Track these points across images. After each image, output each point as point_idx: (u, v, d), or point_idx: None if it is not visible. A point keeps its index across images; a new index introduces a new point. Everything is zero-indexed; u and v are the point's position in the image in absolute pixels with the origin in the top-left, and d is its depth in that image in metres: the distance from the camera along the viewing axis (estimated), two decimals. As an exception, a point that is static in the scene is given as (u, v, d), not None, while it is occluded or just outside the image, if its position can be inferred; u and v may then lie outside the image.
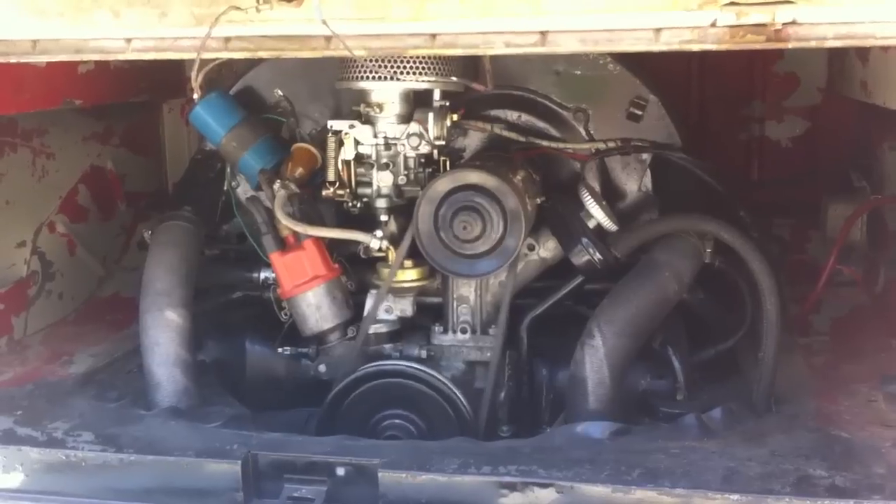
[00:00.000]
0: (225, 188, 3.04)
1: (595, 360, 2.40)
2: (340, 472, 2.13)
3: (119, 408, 2.51)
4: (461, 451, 2.14)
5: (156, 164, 3.90)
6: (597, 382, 2.39)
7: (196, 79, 2.04)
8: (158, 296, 2.62)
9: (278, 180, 2.67)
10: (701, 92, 3.70)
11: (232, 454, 2.16)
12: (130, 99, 3.52)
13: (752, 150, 3.72)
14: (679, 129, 2.90)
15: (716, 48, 1.86)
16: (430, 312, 2.79)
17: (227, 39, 2.06)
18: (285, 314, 2.76)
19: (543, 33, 1.94)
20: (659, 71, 3.09)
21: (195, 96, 2.13)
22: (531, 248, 2.71)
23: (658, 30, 1.88)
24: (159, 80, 3.64)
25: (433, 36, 1.99)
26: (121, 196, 3.64)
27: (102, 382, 2.74)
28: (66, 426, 2.33)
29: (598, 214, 2.59)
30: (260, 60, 2.95)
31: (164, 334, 2.57)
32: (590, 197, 2.59)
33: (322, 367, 2.73)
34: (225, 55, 2.09)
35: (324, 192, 2.68)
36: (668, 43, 1.88)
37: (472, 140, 2.94)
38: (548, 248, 2.71)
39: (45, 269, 3.19)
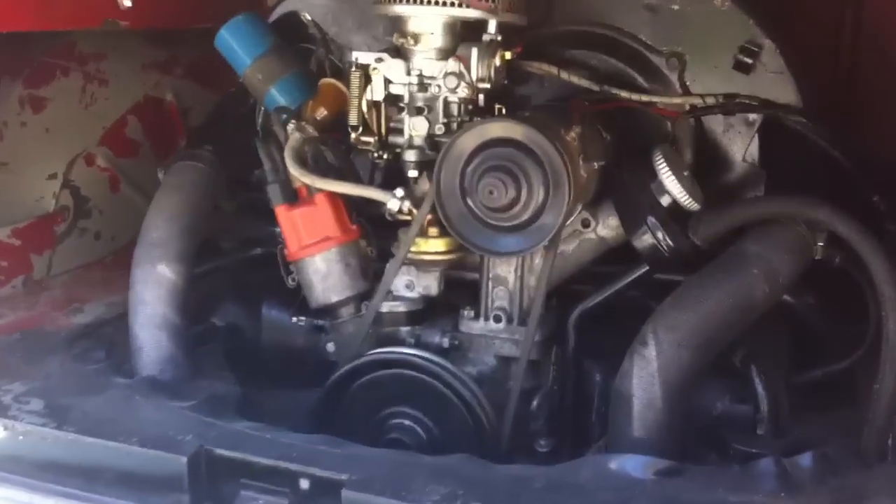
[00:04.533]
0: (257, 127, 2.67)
1: (645, 374, 1.88)
2: (304, 484, 1.78)
3: (93, 372, 2.21)
4: (455, 476, 1.73)
5: (226, 98, 3.61)
6: (645, 404, 1.88)
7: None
8: (152, 247, 2.30)
9: (294, 121, 2.26)
10: (854, 48, 3.02)
11: (182, 447, 1.81)
12: (193, 25, 3.18)
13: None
14: (802, 84, 2.29)
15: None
16: (465, 292, 2.32)
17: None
18: (292, 279, 2.36)
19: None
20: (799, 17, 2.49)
21: None
22: (586, 225, 2.20)
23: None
24: (231, 5, 3.31)
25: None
26: (182, 132, 3.34)
27: (100, 336, 2.46)
28: (22, 389, 2.08)
29: (673, 188, 2.04)
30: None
31: (151, 291, 2.24)
32: (665, 165, 2.04)
33: (330, 346, 2.32)
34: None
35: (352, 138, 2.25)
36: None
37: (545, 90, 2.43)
38: (609, 226, 2.19)
39: (78, 206, 2.94)
